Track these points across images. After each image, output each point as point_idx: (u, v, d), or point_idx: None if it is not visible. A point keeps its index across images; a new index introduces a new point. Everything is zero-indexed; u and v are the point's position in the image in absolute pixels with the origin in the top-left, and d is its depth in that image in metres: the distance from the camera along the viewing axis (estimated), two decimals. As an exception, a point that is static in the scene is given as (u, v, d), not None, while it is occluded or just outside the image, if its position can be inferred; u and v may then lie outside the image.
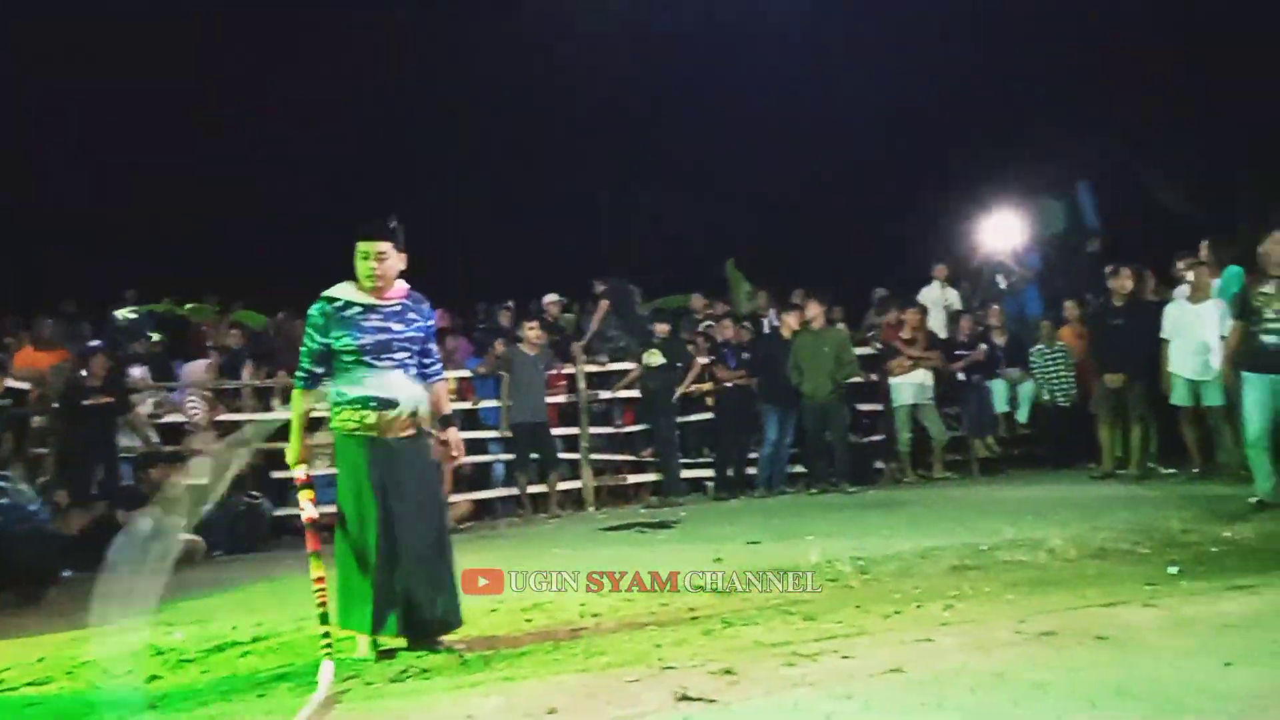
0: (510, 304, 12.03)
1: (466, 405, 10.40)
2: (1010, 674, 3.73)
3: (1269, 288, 7.05)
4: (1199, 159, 15.18)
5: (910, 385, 10.30)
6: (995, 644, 4.15)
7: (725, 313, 11.98)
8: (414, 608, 4.49)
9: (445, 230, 16.22)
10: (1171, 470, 9.17)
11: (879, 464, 10.79)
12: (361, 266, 4.54)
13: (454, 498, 9.42)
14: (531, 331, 9.90)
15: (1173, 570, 5.33)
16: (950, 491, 9.48)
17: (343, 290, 4.56)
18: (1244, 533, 6.17)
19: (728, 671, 3.93)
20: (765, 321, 11.84)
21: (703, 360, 10.52)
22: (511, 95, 16.63)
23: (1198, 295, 8.74)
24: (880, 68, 16.62)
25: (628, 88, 16.87)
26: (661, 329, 10.37)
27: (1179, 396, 8.88)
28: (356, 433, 4.50)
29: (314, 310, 4.54)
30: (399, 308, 4.61)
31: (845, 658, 4.06)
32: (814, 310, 10.15)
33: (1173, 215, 15.13)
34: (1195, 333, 8.50)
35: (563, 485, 10.14)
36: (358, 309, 4.53)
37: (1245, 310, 7.17)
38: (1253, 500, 7.03)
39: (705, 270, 14.21)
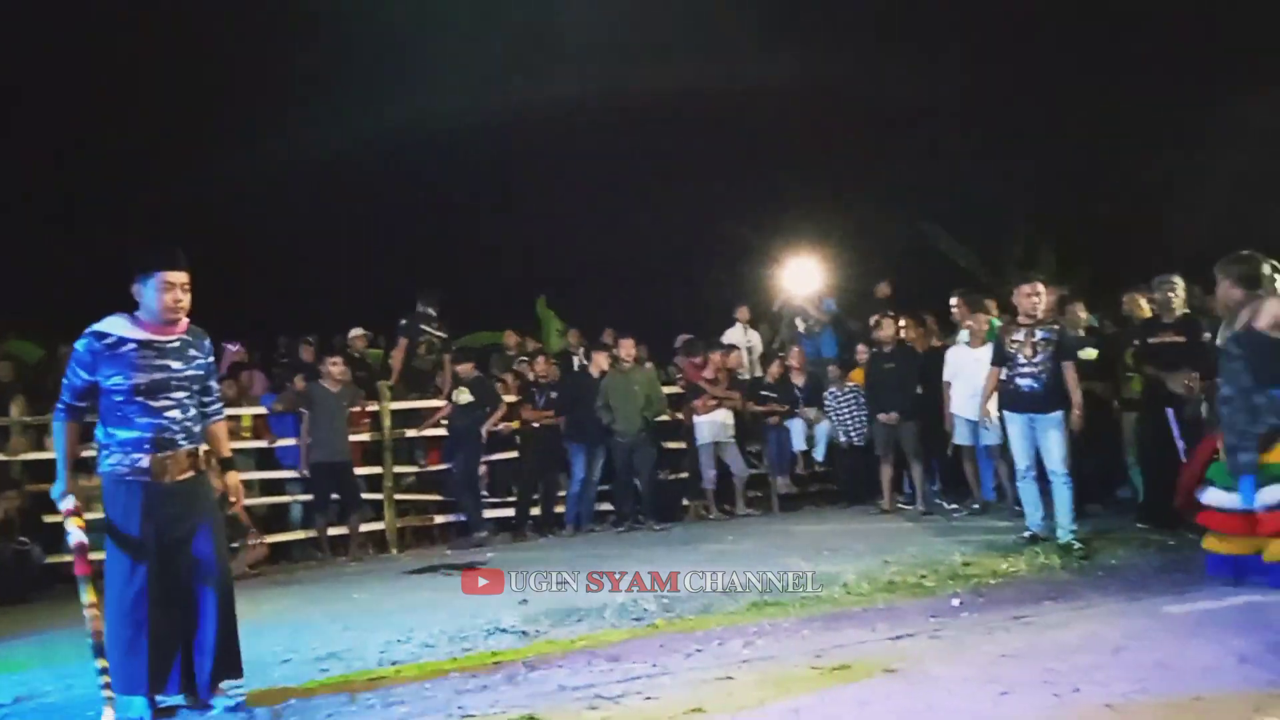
0: (312, 338, 11.59)
1: (262, 444, 9.96)
2: (805, 709, 3.84)
3: (1019, 335, 7.64)
4: (977, 211, 16.35)
5: (713, 424, 10.54)
6: (792, 680, 4.27)
7: (536, 350, 11.95)
8: (192, 663, 4.22)
9: (243, 259, 15.60)
10: (954, 506, 9.72)
11: (685, 501, 10.96)
12: (164, 299, 4.25)
13: (248, 540, 8.97)
14: (335, 367, 9.57)
15: (955, 603, 5.63)
16: (751, 527, 9.72)
17: (114, 325, 4.25)
18: (1018, 565, 6.59)
19: (530, 718, 3.88)
20: (575, 360, 11.89)
21: (510, 399, 10.43)
22: (320, 118, 16.14)
23: (976, 341, 9.34)
24: (682, 118, 17.21)
25: (439, 117, 16.70)
26: (464, 369, 10.21)
27: (960, 436, 9.47)
28: (128, 478, 4.21)
29: (80, 346, 4.22)
30: (178, 344, 4.33)
31: (648, 699, 4.09)
32: (626, 349, 10.27)
33: (955, 263, 16.25)
34: (974, 376, 9.06)
35: (366, 526, 9.80)
36: (132, 345, 4.23)
37: (1001, 357, 7.76)
38: (1024, 535, 7.53)
39: (516, 307, 14.18)
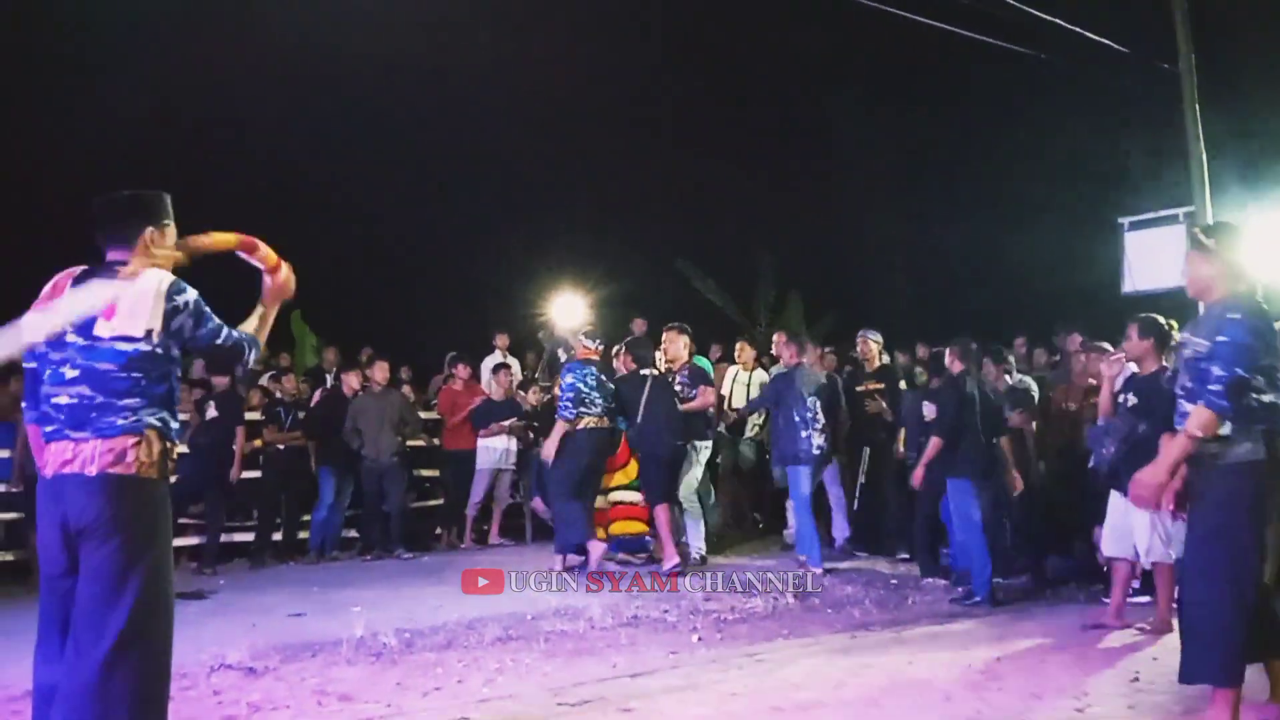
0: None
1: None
2: (539, 751, 3.83)
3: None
4: (729, 253, 17.13)
5: (496, 450, 10.33)
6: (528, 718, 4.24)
7: (286, 367, 11.42)
8: None
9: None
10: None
11: (438, 529, 10.73)
12: (166, 253, 3.51)
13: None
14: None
15: (694, 639, 5.79)
16: (503, 557, 9.63)
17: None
18: (754, 603, 6.84)
19: (248, 766, 3.67)
20: (329, 378, 11.45)
21: (253, 416, 9.88)
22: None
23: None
24: (458, 146, 17.15)
25: (199, 134, 15.84)
26: (219, 381, 9.59)
27: None
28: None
29: (194, 292, 3.43)
30: None
31: (377, 742, 3.96)
32: (380, 371, 9.95)
33: (707, 301, 16.89)
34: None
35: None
36: None
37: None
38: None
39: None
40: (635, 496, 8.66)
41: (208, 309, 3.40)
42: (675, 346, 8.78)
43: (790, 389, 8.15)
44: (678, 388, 8.49)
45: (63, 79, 14.85)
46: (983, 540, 6.83)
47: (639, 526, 8.67)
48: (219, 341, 3.43)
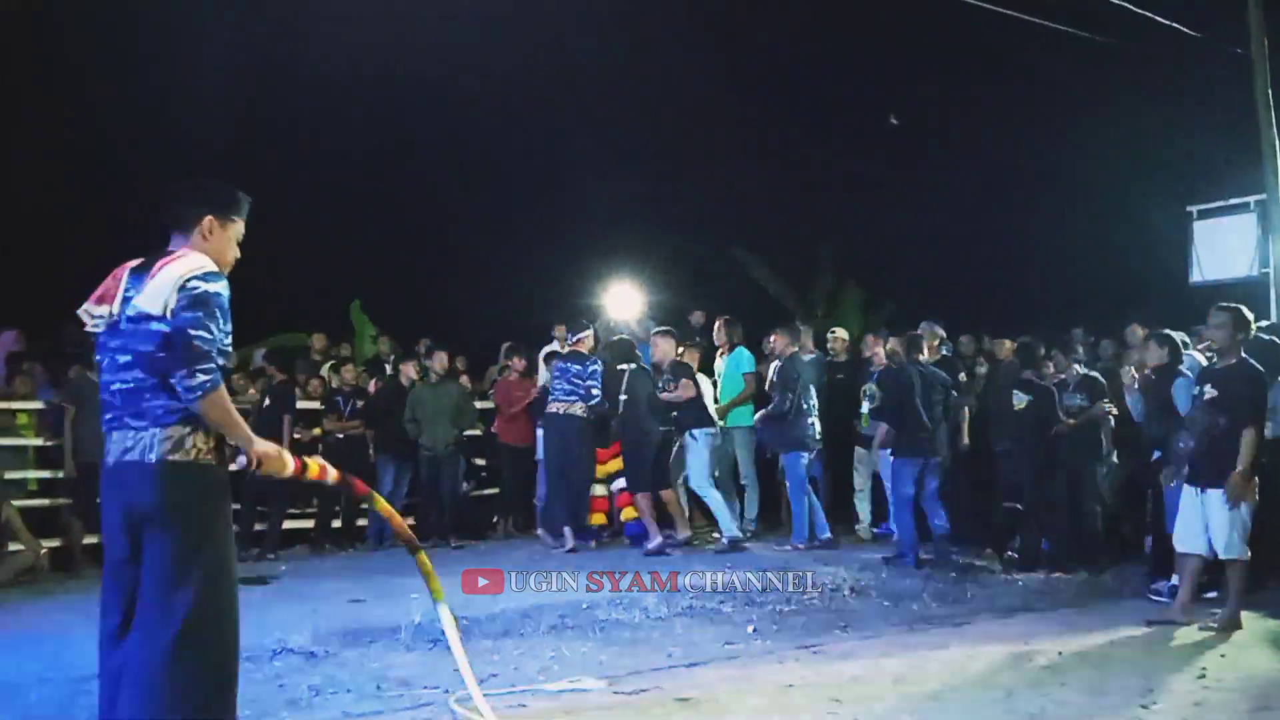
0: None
1: (36, 441, 9.17)
2: (595, 740, 3.83)
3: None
4: (787, 242, 16.98)
5: None
6: (585, 708, 4.26)
7: (345, 357, 11.56)
8: None
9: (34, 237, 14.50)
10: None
11: (495, 518, 10.79)
12: (235, 253, 3.55)
13: (14, 546, 8.24)
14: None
15: (749, 630, 5.76)
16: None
17: (213, 267, 3.37)
18: (811, 595, 6.78)
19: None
20: (387, 368, 11.56)
21: (312, 405, 10.02)
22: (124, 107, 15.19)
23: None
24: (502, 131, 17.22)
25: (256, 122, 16.05)
26: (273, 371, 9.75)
27: None
28: (221, 474, 3.38)
29: (223, 289, 3.33)
30: None
31: (434, 728, 3.99)
32: (438, 361, 10.02)
33: (765, 290, 16.77)
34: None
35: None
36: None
37: None
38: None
39: (329, 311, 13.70)
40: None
41: (220, 313, 3.25)
42: (659, 349, 9.17)
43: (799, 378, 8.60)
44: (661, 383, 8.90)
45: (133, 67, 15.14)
46: (910, 513, 7.89)
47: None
48: (193, 332, 3.17)
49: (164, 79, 15.10)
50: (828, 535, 8.73)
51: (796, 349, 8.83)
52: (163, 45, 15.24)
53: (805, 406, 8.50)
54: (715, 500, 8.72)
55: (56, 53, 14.93)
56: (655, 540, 8.42)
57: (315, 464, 3.62)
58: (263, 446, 3.31)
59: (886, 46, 16.88)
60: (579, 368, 8.77)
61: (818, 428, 8.65)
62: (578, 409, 8.70)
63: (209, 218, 3.44)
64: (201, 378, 3.15)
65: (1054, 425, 7.69)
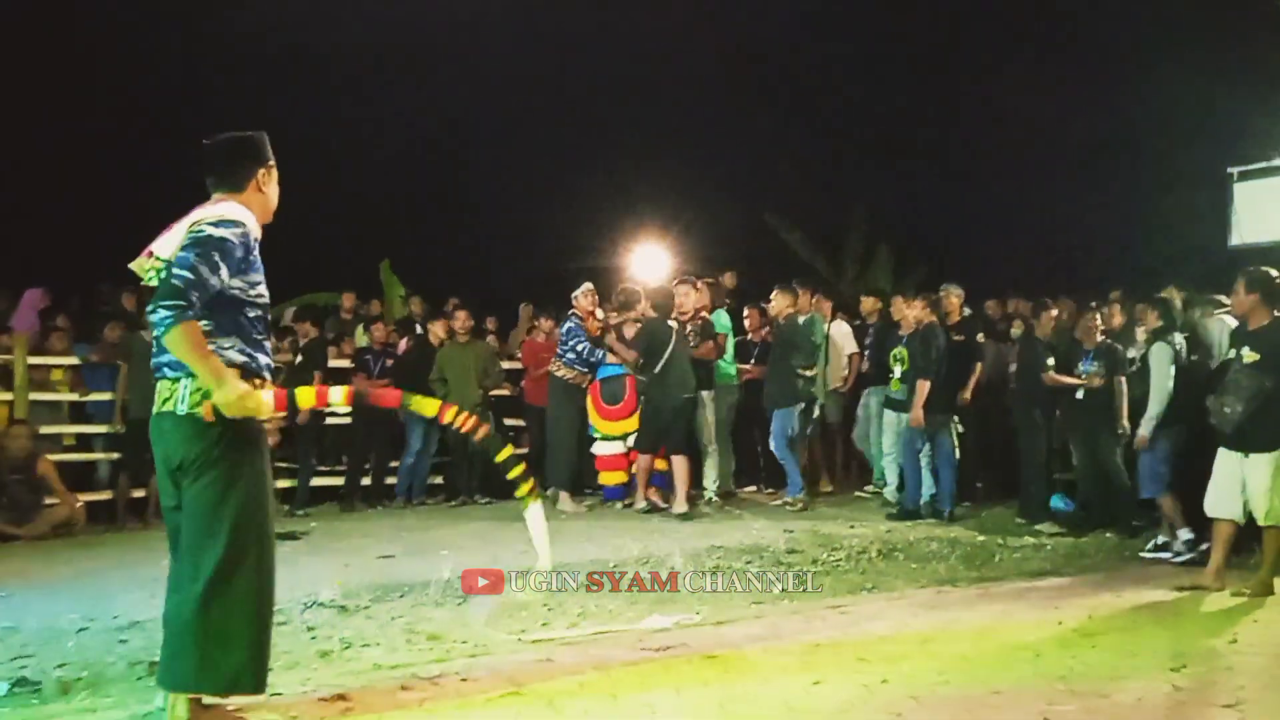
0: (136, 286, 10.81)
1: (73, 397, 9.31)
2: (623, 693, 3.85)
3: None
4: (816, 206, 16.86)
5: None
6: (613, 662, 4.27)
7: (375, 315, 11.58)
8: None
9: (61, 197, 14.59)
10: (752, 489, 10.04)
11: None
12: (276, 193, 3.59)
13: (50, 500, 8.38)
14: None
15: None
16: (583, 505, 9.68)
17: (245, 216, 3.38)
18: (838, 556, 6.78)
19: (340, 698, 3.76)
20: (417, 327, 11.58)
21: (343, 364, 10.08)
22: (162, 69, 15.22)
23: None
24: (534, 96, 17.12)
25: (286, 81, 16.03)
26: (303, 328, 9.80)
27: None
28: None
29: (231, 234, 3.28)
30: None
31: (464, 679, 4.03)
32: (461, 321, 10.01)
33: (795, 254, 16.68)
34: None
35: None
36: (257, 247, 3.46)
37: None
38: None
39: (359, 270, 13.74)
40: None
41: (221, 256, 3.21)
42: (687, 300, 9.17)
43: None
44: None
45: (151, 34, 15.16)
46: (916, 465, 8.38)
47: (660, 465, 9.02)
48: (175, 270, 3.16)
49: (195, 39, 15.13)
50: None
51: (793, 310, 9.02)
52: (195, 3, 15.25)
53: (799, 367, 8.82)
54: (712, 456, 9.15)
55: (90, 7, 14.98)
56: (640, 503, 8.68)
57: (308, 392, 3.70)
58: (235, 388, 3.22)
59: (922, 7, 16.64)
60: (563, 328, 9.19)
61: (821, 383, 9.28)
62: (556, 368, 9.12)
63: (261, 170, 3.50)
64: (163, 313, 3.12)
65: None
